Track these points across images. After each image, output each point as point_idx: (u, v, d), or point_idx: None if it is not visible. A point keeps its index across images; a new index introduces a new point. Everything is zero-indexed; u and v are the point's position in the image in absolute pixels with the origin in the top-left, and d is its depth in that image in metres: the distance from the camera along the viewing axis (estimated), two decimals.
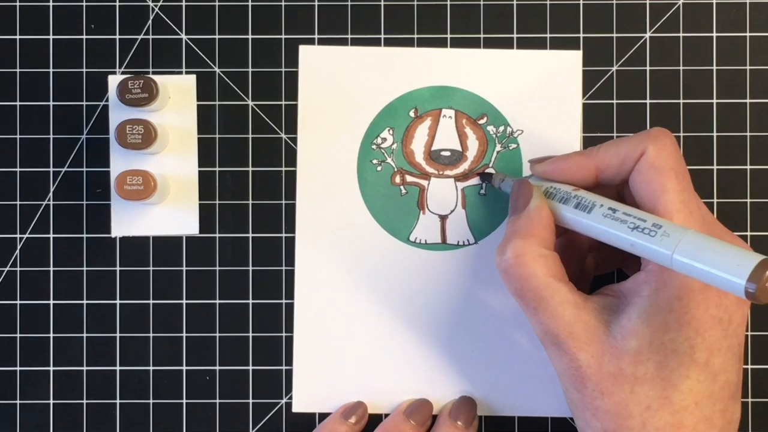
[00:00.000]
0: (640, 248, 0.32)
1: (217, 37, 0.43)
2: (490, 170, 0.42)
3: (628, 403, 0.33)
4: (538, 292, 0.34)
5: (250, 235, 0.43)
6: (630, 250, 0.32)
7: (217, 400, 0.42)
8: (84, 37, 0.43)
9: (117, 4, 0.43)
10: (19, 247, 0.43)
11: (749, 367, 0.42)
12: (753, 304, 0.36)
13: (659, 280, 0.34)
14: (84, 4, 0.43)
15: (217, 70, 0.43)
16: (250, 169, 0.43)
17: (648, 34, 0.42)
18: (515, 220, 0.36)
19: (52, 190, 0.43)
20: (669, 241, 0.31)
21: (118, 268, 0.43)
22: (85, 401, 0.43)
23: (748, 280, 0.27)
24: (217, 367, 0.42)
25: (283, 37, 0.43)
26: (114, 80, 0.43)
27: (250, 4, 0.43)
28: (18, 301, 0.43)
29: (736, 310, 0.34)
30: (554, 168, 0.37)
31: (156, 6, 0.43)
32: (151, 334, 0.43)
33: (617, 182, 0.36)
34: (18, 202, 0.43)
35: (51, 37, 0.43)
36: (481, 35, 0.43)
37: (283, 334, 0.42)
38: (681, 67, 0.42)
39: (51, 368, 0.43)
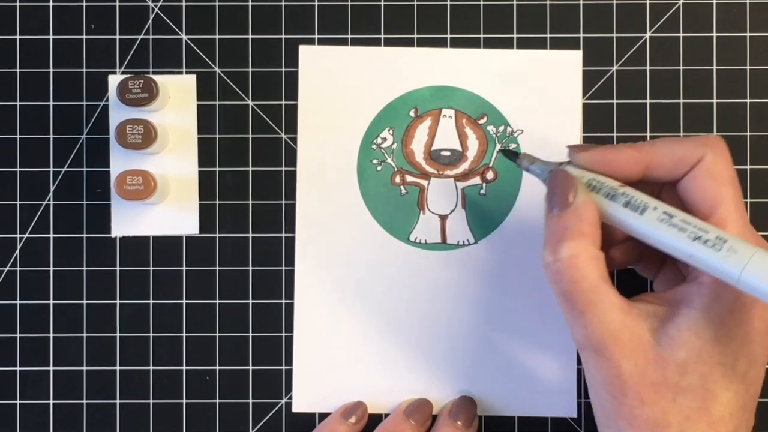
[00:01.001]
0: (702, 261, 0.31)
1: (217, 37, 0.43)
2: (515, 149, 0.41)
3: (668, 412, 0.33)
4: (588, 294, 0.33)
5: (250, 235, 0.43)
6: (688, 261, 0.31)
7: (217, 400, 0.42)
8: (84, 37, 0.43)
9: (117, 4, 0.43)
10: (19, 247, 0.43)
11: None
12: None
13: (712, 293, 0.33)
14: (84, 4, 0.43)
15: (217, 70, 0.43)
16: (250, 169, 0.43)
17: (648, 34, 0.42)
18: (562, 216, 0.34)
19: (52, 190, 0.43)
20: (736, 258, 0.30)
21: (118, 268, 0.43)
22: (85, 401, 0.43)
23: None
24: (217, 367, 0.42)
25: (283, 37, 0.43)
26: (114, 80, 0.43)
27: (250, 4, 0.43)
28: (18, 301, 0.43)
29: None
30: (602, 158, 0.35)
31: (156, 6, 0.43)
32: (151, 334, 0.43)
33: (664, 182, 0.35)
34: (18, 202, 0.43)
35: (51, 37, 0.43)
36: (481, 35, 0.43)
37: (283, 334, 0.42)
38: (681, 67, 0.42)
39: (51, 368, 0.43)
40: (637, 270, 0.40)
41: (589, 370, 0.34)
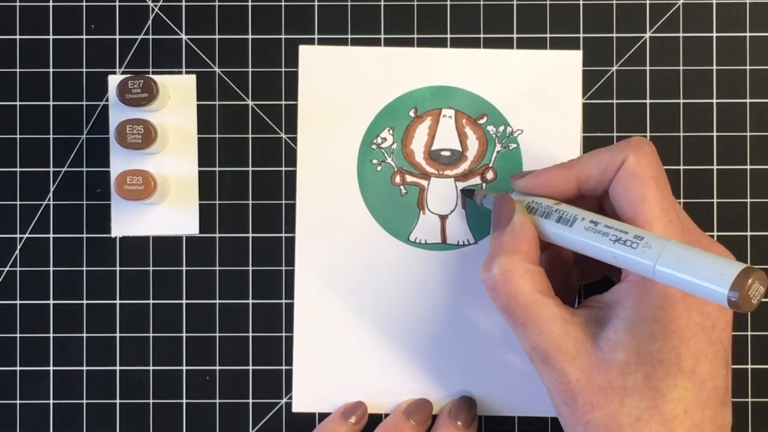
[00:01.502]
0: (623, 260, 0.32)
1: (217, 37, 0.43)
2: (471, 186, 0.42)
3: (618, 415, 0.33)
4: (525, 308, 0.34)
5: (250, 235, 0.43)
6: (613, 262, 0.32)
7: (217, 400, 0.42)
8: (84, 37, 0.43)
9: (117, 4, 0.43)
10: (19, 247, 0.43)
11: (749, 367, 0.42)
12: (757, 313, 0.36)
13: (641, 291, 0.34)
14: (84, 4, 0.43)
15: (217, 70, 0.43)
16: (250, 169, 0.43)
17: (648, 34, 0.42)
18: (499, 237, 0.36)
19: (52, 190, 0.43)
20: (651, 253, 0.31)
21: (118, 268, 0.43)
22: (85, 401, 0.43)
23: (730, 289, 0.27)
24: (217, 367, 0.43)
25: (283, 37, 0.43)
26: (114, 80, 0.43)
27: (250, 4, 0.43)
28: (18, 301, 0.43)
29: (719, 316, 0.34)
30: (535, 182, 0.37)
31: (156, 6, 0.43)
32: (151, 334, 0.43)
33: (599, 193, 0.36)
34: (18, 202, 0.43)
35: (51, 37, 0.43)
36: (481, 35, 0.43)
37: (283, 334, 0.42)
38: (681, 67, 0.42)
39: (51, 368, 0.43)
40: (613, 279, 0.41)
41: (543, 380, 0.35)
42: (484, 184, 0.42)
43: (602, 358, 0.34)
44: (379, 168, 0.42)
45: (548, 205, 0.36)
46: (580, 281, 0.41)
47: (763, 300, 0.41)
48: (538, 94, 0.42)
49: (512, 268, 0.35)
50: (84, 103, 0.43)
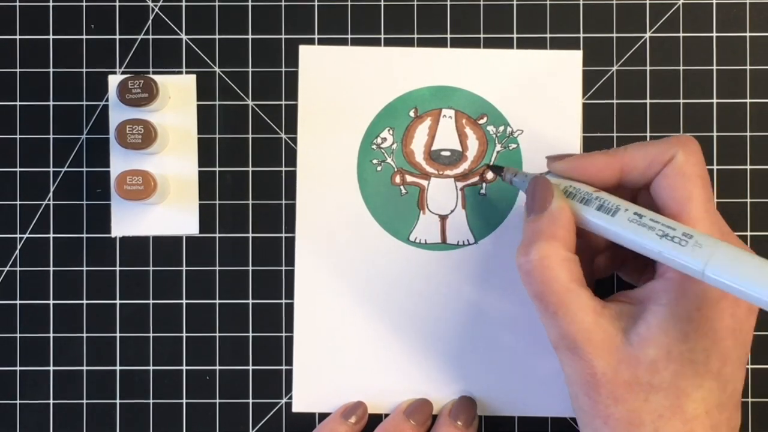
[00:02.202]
0: (669, 257, 0.31)
1: (217, 37, 0.43)
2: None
3: (641, 411, 0.33)
4: (559, 296, 0.34)
5: (250, 235, 0.43)
6: (656, 257, 0.32)
7: (217, 400, 0.42)
8: (84, 37, 0.43)
9: (117, 4, 0.43)
10: (19, 247, 0.43)
11: (749, 367, 0.42)
12: (760, 314, 0.36)
13: (679, 290, 0.33)
14: (84, 4, 0.43)
15: (217, 70, 0.43)
16: (250, 169, 0.43)
17: (648, 34, 0.42)
18: (537, 220, 0.35)
19: (52, 190, 0.43)
20: (701, 252, 0.30)
21: (118, 268, 0.43)
22: (85, 401, 0.43)
23: None
24: (217, 367, 0.43)
25: (283, 37, 0.43)
26: (114, 80, 0.43)
27: (250, 4, 0.43)
28: (18, 301, 0.43)
29: (746, 320, 0.34)
30: (577, 166, 0.36)
31: (156, 6, 0.43)
32: (151, 334, 0.43)
33: (640, 185, 0.36)
34: (18, 202, 0.43)
35: (51, 37, 0.43)
36: (481, 35, 0.43)
37: (283, 334, 0.42)
38: (681, 67, 0.42)
39: (51, 368, 0.43)
40: (622, 276, 0.41)
41: (565, 369, 0.35)
42: (484, 184, 0.42)
43: (631, 353, 0.33)
44: (379, 168, 0.42)
45: (587, 191, 0.35)
46: (599, 275, 0.41)
47: None
48: (538, 94, 0.42)
49: (550, 255, 0.34)
50: (84, 103, 0.43)
